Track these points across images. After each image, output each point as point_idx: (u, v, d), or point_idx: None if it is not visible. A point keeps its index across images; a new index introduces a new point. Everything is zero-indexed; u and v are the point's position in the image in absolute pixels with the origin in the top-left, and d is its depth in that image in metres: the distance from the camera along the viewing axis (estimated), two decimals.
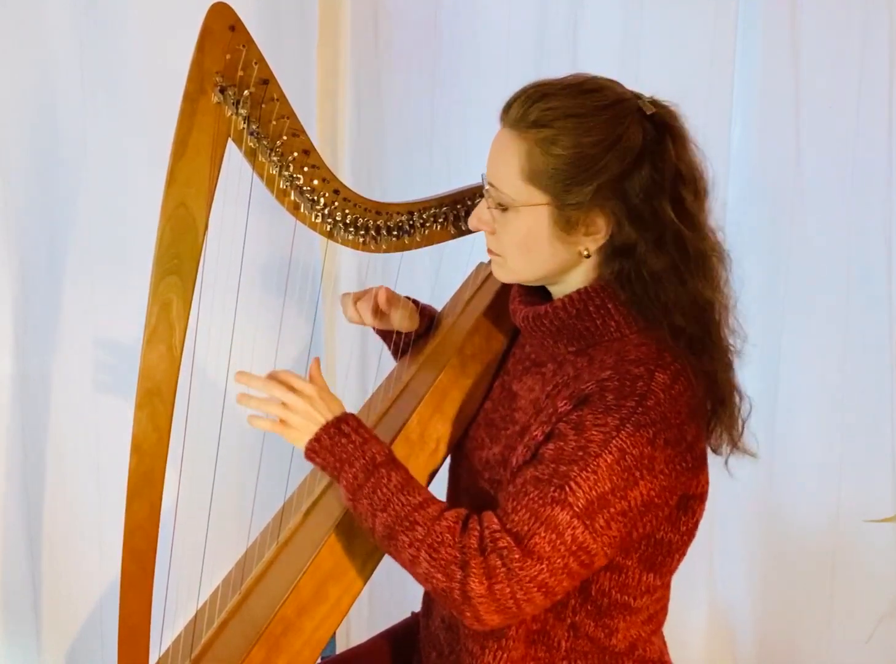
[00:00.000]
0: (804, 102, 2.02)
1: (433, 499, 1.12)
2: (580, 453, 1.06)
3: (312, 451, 1.16)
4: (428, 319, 1.50)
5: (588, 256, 1.15)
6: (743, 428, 1.21)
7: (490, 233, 1.20)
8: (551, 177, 1.11)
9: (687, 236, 1.13)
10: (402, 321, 1.45)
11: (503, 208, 1.16)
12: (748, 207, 2.08)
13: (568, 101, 1.12)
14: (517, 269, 1.20)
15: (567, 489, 1.04)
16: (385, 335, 1.52)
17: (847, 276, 2.07)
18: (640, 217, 1.12)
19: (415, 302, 1.49)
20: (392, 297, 1.44)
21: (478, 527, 1.07)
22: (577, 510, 1.04)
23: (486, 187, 1.18)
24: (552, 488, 1.05)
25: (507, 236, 1.17)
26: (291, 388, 1.17)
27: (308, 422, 1.16)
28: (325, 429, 1.16)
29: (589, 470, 1.04)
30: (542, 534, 1.03)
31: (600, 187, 1.11)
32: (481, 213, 1.20)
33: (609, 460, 1.05)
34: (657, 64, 2.00)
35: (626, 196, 1.11)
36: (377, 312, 1.44)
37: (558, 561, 1.04)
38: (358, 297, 1.46)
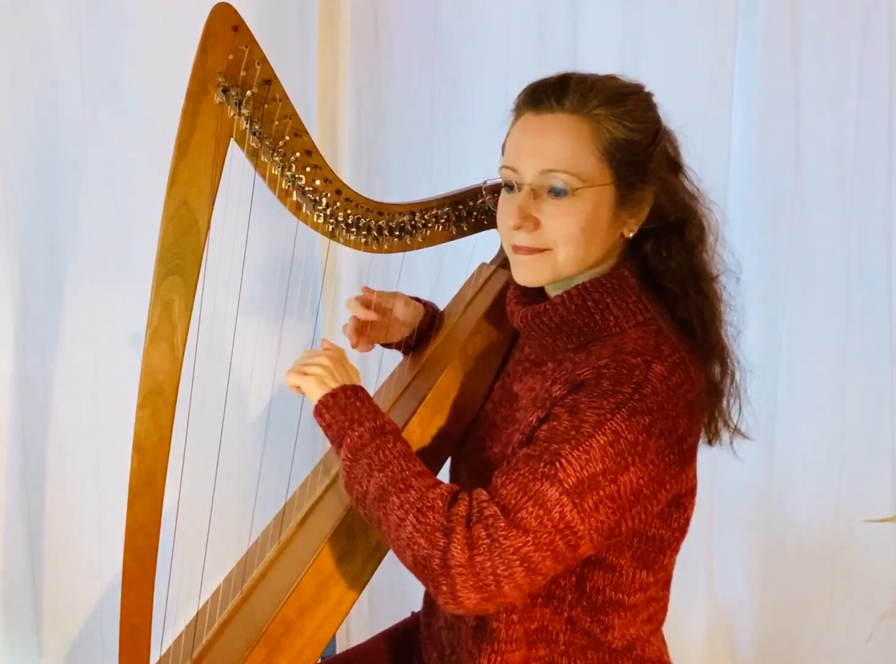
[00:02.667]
0: (804, 102, 2.02)
1: (432, 474, 1.13)
2: (573, 433, 1.05)
3: (324, 406, 1.17)
4: (430, 316, 1.49)
5: (632, 236, 1.18)
6: (740, 406, 1.23)
7: (533, 228, 1.16)
8: (626, 152, 1.13)
9: (700, 205, 1.21)
10: (404, 313, 1.45)
11: (565, 194, 1.13)
12: (748, 207, 2.08)
13: (618, 82, 1.17)
14: (566, 261, 1.16)
15: (558, 465, 1.03)
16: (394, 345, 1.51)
17: (847, 275, 2.07)
18: (684, 190, 1.19)
19: (415, 299, 1.50)
20: (375, 297, 1.44)
21: (467, 498, 1.06)
22: (566, 487, 1.02)
23: (533, 177, 1.14)
24: (542, 464, 1.04)
25: (566, 223, 1.14)
26: (317, 353, 1.23)
27: (328, 376, 1.19)
28: (343, 388, 1.18)
29: (581, 449, 1.04)
30: (530, 509, 1.02)
31: (656, 165, 1.16)
32: (526, 207, 1.15)
33: (602, 441, 1.04)
34: (657, 64, 2.00)
35: (670, 171, 1.18)
36: (365, 329, 1.43)
37: (544, 536, 1.02)
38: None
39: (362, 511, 1.14)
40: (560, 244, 1.15)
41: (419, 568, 1.05)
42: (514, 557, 1.01)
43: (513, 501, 1.03)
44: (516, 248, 1.18)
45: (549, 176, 1.13)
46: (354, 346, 1.43)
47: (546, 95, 1.15)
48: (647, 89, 1.20)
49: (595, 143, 1.13)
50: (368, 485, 1.11)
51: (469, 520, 1.03)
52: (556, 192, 1.13)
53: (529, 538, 1.02)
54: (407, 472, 1.10)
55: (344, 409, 1.16)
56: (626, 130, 1.13)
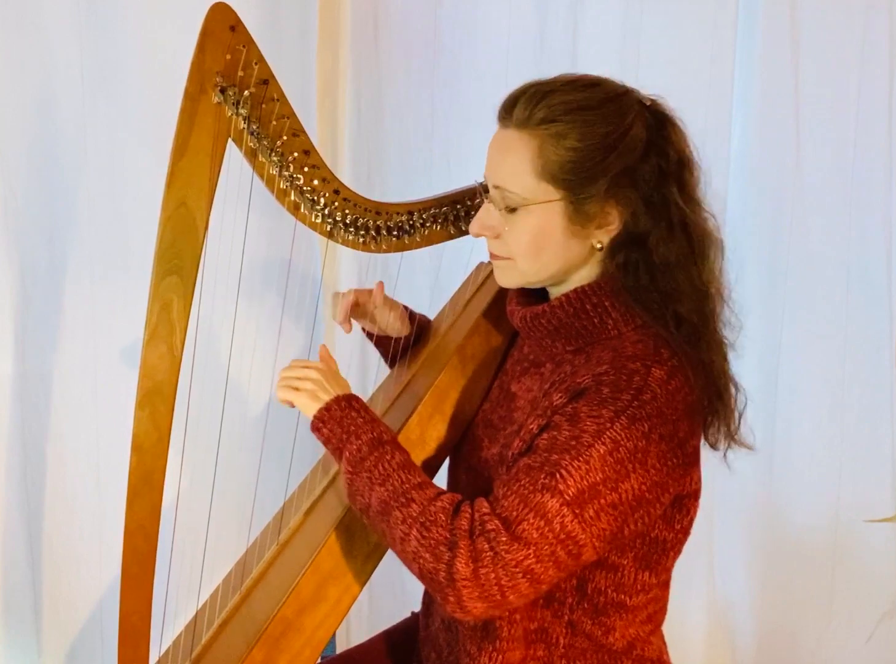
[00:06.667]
0: (804, 102, 2.02)
1: (432, 484, 1.13)
2: (573, 443, 1.05)
3: (320, 420, 1.17)
4: (418, 327, 1.50)
5: (601, 249, 1.16)
6: (740, 420, 1.22)
7: (494, 237, 1.19)
8: (566, 171, 1.12)
9: (692, 221, 1.16)
10: (393, 322, 1.46)
11: (512, 209, 1.15)
12: (748, 207, 2.08)
13: (574, 96, 1.13)
14: (527, 271, 1.19)
15: (558, 477, 1.04)
16: (380, 343, 1.51)
17: (847, 275, 2.07)
18: (653, 206, 1.14)
19: (406, 308, 1.49)
20: (382, 295, 1.45)
21: (469, 511, 1.06)
22: (566, 498, 1.03)
23: (491, 190, 1.18)
24: (543, 475, 1.04)
25: (516, 237, 1.16)
26: (306, 365, 1.21)
27: (319, 390, 1.19)
28: (337, 400, 1.18)
29: (581, 459, 1.04)
30: (531, 521, 1.03)
31: (613, 179, 1.12)
32: (485, 219, 1.19)
33: (602, 451, 1.04)
34: (657, 64, 2.00)
35: (639, 186, 1.13)
36: (364, 312, 1.44)
37: (546, 548, 1.03)
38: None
39: (367, 522, 1.16)
40: (516, 256, 1.18)
41: (426, 580, 1.07)
42: (517, 570, 1.02)
43: (514, 513, 1.04)
44: (489, 254, 1.22)
45: (498, 191, 1.16)
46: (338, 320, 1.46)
47: (504, 108, 1.16)
48: (616, 96, 1.14)
49: (533, 162, 1.13)
50: (370, 498, 1.12)
51: (472, 533, 1.04)
52: (507, 207, 1.15)
53: (531, 550, 1.02)
54: (407, 485, 1.10)
55: (340, 422, 1.16)
56: (563, 150, 1.11)
